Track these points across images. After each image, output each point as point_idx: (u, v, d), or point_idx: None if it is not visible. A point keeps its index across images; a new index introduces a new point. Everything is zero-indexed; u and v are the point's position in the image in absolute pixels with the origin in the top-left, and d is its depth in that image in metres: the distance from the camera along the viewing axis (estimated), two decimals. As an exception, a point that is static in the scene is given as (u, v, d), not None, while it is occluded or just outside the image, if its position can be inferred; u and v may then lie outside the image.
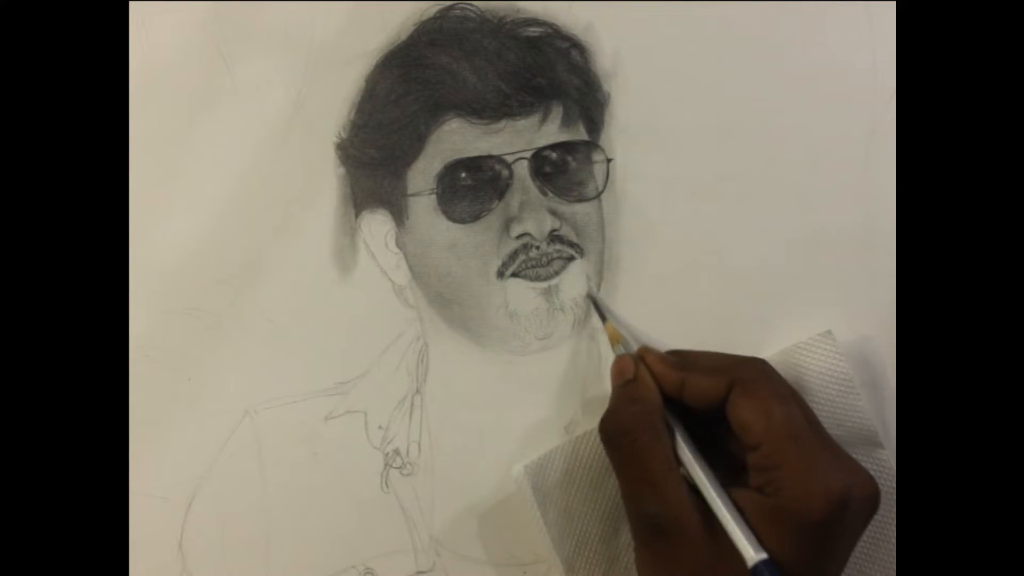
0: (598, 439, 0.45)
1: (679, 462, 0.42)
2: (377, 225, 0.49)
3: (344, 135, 0.49)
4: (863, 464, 0.41)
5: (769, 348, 0.49)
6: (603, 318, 0.48)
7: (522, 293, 0.48)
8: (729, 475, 0.42)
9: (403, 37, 0.49)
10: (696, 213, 0.50)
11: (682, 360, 0.44)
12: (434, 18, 0.49)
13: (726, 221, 0.50)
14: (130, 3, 0.48)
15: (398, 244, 0.49)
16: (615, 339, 0.47)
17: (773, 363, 0.45)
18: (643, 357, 0.45)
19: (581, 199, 0.49)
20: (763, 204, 0.50)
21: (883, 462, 0.47)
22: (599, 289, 0.49)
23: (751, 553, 0.38)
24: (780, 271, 0.50)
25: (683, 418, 0.43)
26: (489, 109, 0.48)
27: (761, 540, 0.39)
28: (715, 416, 0.42)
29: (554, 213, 0.48)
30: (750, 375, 0.42)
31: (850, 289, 0.50)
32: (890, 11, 0.48)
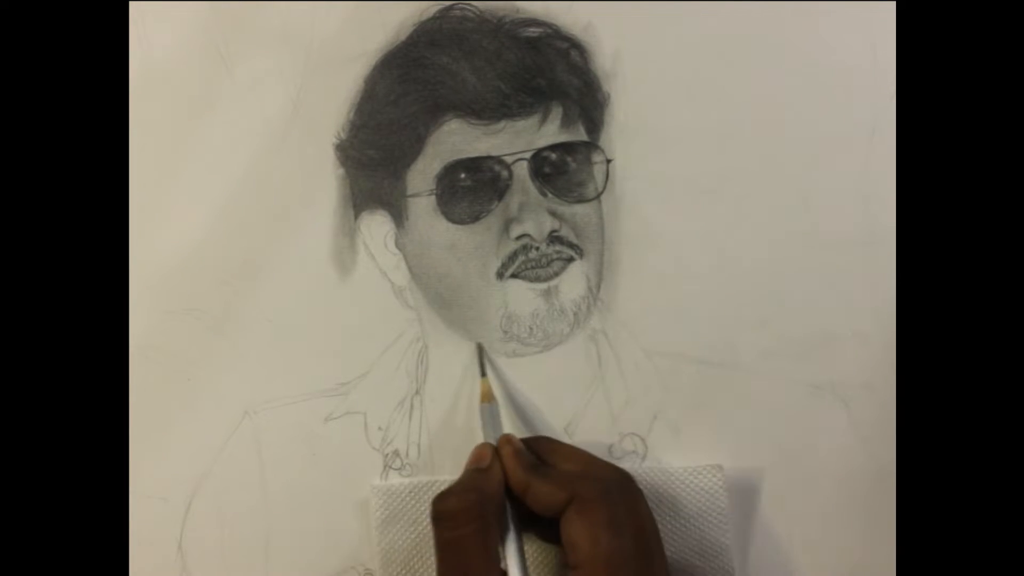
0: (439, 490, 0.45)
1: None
2: (376, 226, 0.49)
3: (343, 136, 0.49)
4: None
5: (769, 349, 0.49)
6: (482, 372, 0.48)
7: (522, 294, 0.48)
8: None
9: (402, 37, 0.49)
10: (696, 213, 0.50)
11: (535, 461, 0.44)
12: (433, 18, 0.49)
13: (726, 221, 0.50)
14: (130, 3, 0.48)
15: (397, 245, 0.49)
16: (486, 397, 0.47)
17: (658, 473, 0.46)
18: (500, 448, 0.44)
19: (581, 200, 0.49)
20: (763, 204, 0.50)
21: None
22: (599, 290, 0.49)
23: None
24: (780, 271, 0.50)
25: (532, 517, 0.43)
26: (488, 110, 0.48)
27: None
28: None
29: (554, 214, 0.48)
30: (591, 494, 0.41)
31: (850, 289, 0.49)
32: (890, 11, 0.48)
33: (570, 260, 0.49)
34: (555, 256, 0.49)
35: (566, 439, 0.49)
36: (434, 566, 0.41)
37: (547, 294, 0.49)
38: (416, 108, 0.48)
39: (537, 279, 0.48)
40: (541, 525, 0.43)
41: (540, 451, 0.45)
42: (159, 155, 0.49)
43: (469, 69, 0.48)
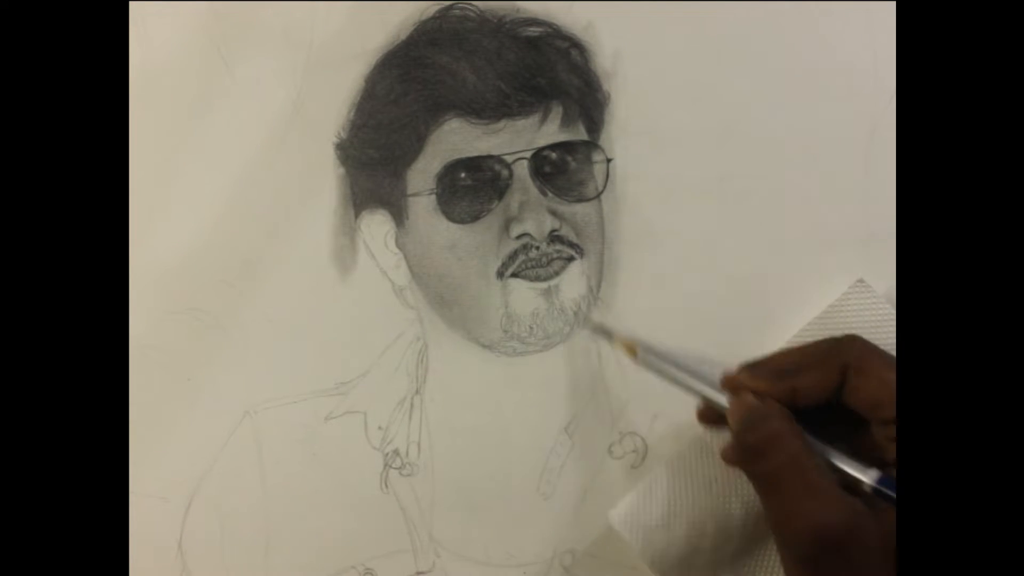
0: (674, 471, 0.45)
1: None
2: (377, 225, 0.49)
3: (343, 135, 0.49)
4: None
5: (769, 348, 0.49)
6: (610, 338, 0.48)
7: (522, 293, 0.48)
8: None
9: (403, 37, 0.49)
10: (696, 213, 0.50)
11: (772, 369, 0.42)
12: (434, 18, 0.49)
13: (726, 221, 0.50)
14: (130, 3, 0.48)
15: (398, 244, 0.49)
16: (632, 350, 0.46)
17: (815, 329, 0.45)
18: (737, 385, 0.43)
19: (581, 199, 0.49)
20: (763, 204, 0.50)
21: None
22: (599, 289, 0.49)
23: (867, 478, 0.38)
24: (780, 271, 0.50)
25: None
26: (489, 109, 0.48)
27: None
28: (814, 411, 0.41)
29: (554, 213, 0.48)
30: (857, 354, 0.41)
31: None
32: (890, 11, 0.48)
33: (570, 259, 0.49)
34: (555, 255, 0.49)
35: (566, 439, 0.49)
36: (710, 538, 0.41)
37: (547, 293, 0.49)
38: (416, 107, 0.48)
39: (537, 278, 0.48)
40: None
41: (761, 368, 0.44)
42: (159, 155, 0.49)
43: (469, 68, 0.48)
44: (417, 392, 0.49)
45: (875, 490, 0.39)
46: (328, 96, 0.49)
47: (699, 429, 0.46)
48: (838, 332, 0.46)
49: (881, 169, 0.49)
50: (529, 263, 0.48)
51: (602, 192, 0.49)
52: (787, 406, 0.41)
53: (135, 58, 0.49)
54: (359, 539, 0.49)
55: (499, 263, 0.48)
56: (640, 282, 0.49)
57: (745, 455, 0.40)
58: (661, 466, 0.47)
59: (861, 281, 0.48)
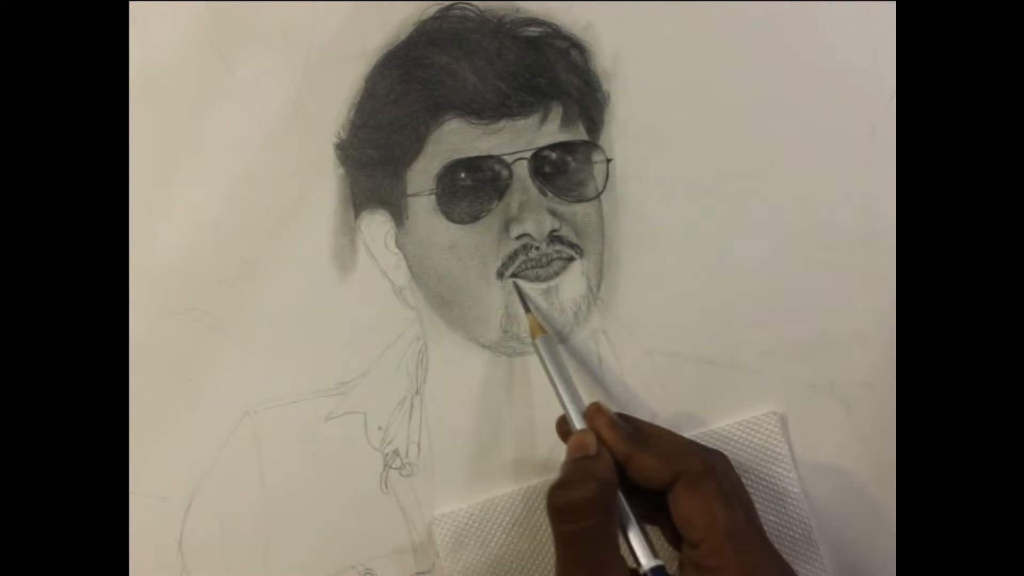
0: (515, 501, 0.46)
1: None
2: (377, 225, 0.49)
3: (343, 135, 0.49)
4: (800, 571, 0.42)
5: (769, 349, 0.49)
6: (526, 308, 0.47)
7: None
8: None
9: (403, 37, 0.49)
10: (696, 213, 0.50)
11: (633, 431, 0.43)
12: (433, 18, 0.49)
13: (726, 221, 0.50)
14: (130, 3, 0.48)
15: (398, 244, 0.49)
16: (537, 330, 0.46)
17: (715, 437, 0.46)
18: (593, 419, 0.43)
19: (581, 199, 0.49)
20: (763, 204, 0.50)
21: (820, 566, 0.47)
22: (599, 289, 0.49)
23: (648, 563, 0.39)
24: (780, 271, 0.50)
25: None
26: (489, 109, 0.48)
27: None
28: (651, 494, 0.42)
29: (554, 213, 0.48)
30: (698, 469, 0.41)
31: (850, 289, 0.49)
32: (890, 11, 0.48)
33: (570, 260, 0.49)
34: (555, 256, 0.49)
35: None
36: None
37: (547, 293, 0.49)
38: (416, 107, 0.48)
39: (537, 278, 0.48)
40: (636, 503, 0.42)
41: (628, 423, 0.44)
42: (159, 155, 0.49)
43: (469, 68, 0.48)
44: (417, 392, 0.49)
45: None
46: (328, 96, 0.49)
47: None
48: (732, 449, 0.47)
49: (881, 169, 0.49)
50: (529, 263, 0.48)
51: (602, 192, 0.49)
52: (622, 466, 0.41)
53: (135, 58, 0.49)
54: (359, 539, 0.49)
55: (499, 263, 0.48)
56: (640, 282, 0.49)
57: (553, 511, 0.40)
58: (506, 494, 0.48)
59: (774, 413, 0.48)
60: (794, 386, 0.49)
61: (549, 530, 0.45)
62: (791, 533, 0.47)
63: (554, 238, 0.48)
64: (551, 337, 0.46)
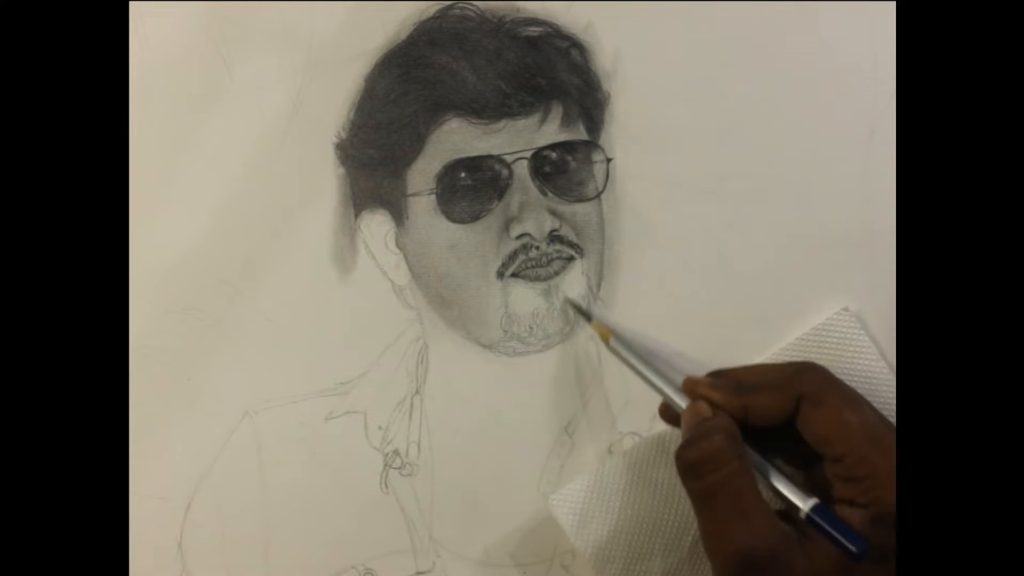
0: (626, 463, 0.46)
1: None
2: (377, 225, 0.49)
3: (344, 135, 0.49)
4: None
5: (769, 348, 0.49)
6: (587, 318, 0.48)
7: (522, 293, 0.48)
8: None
9: (403, 36, 0.49)
10: (696, 213, 0.50)
11: (733, 382, 0.43)
12: (434, 18, 0.49)
13: (726, 221, 0.50)
14: (130, 3, 0.48)
15: (398, 244, 0.49)
16: (607, 335, 0.46)
17: (793, 350, 0.45)
18: (695, 389, 0.44)
19: (581, 199, 0.49)
20: (763, 204, 0.50)
21: None
22: (599, 289, 0.49)
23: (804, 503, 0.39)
24: (780, 271, 0.50)
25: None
26: (489, 109, 0.48)
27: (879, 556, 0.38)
28: (773, 432, 0.41)
29: (554, 213, 0.48)
30: (815, 386, 0.41)
31: (850, 289, 0.49)
32: (890, 11, 0.48)
33: (570, 259, 0.49)
34: (555, 255, 0.49)
35: (566, 439, 0.49)
36: (644, 540, 0.41)
37: (547, 293, 0.49)
38: (416, 107, 0.48)
39: (537, 278, 0.48)
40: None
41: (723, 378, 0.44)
42: (159, 155, 0.49)
43: (469, 68, 0.48)
44: (417, 392, 0.49)
45: (809, 519, 0.39)
46: (328, 96, 0.49)
47: (662, 427, 0.47)
48: (814, 356, 0.46)
49: (881, 169, 0.49)
50: (529, 263, 0.48)
51: (602, 192, 0.49)
52: (740, 422, 0.42)
53: (135, 58, 0.49)
54: (359, 539, 0.49)
55: (499, 263, 0.48)
56: (640, 282, 0.49)
57: (684, 470, 0.41)
58: (614, 458, 0.48)
59: (846, 309, 0.48)
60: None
61: (668, 482, 0.45)
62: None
63: (554, 238, 0.48)
64: (619, 336, 0.47)
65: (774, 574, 0.38)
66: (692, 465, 0.40)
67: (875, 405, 0.45)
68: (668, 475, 0.47)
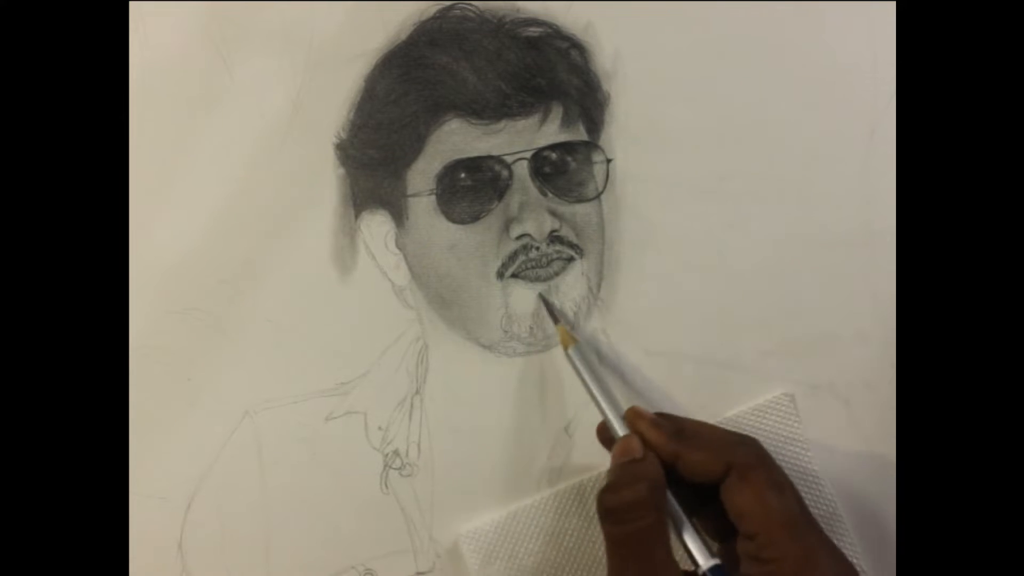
0: (539, 510, 0.46)
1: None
2: (377, 226, 0.49)
3: (344, 135, 0.49)
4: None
5: (769, 349, 0.49)
6: (554, 319, 0.48)
7: (522, 294, 0.48)
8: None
9: (403, 37, 0.49)
10: (696, 213, 0.50)
11: (675, 429, 0.43)
12: (434, 18, 0.49)
13: (726, 221, 0.50)
14: (130, 3, 0.48)
15: (398, 245, 0.49)
16: (568, 341, 0.46)
17: (730, 423, 0.46)
18: (635, 422, 0.43)
19: (581, 199, 0.49)
20: (763, 204, 0.50)
21: (850, 542, 0.48)
22: (599, 290, 0.49)
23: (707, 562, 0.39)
24: (780, 271, 0.50)
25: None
26: (489, 109, 0.48)
27: None
28: (699, 491, 0.42)
29: (554, 214, 0.48)
30: (748, 459, 0.41)
31: (850, 289, 0.49)
32: (890, 11, 0.48)
33: (570, 260, 0.49)
34: (555, 256, 0.49)
35: (566, 439, 0.49)
36: None
37: (547, 294, 0.49)
38: (416, 108, 0.48)
39: (537, 279, 0.48)
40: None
41: (667, 421, 0.44)
42: (159, 155, 0.49)
43: (469, 69, 0.48)
44: (417, 392, 0.49)
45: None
46: (328, 96, 0.49)
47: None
48: (750, 433, 0.46)
49: (881, 169, 0.49)
50: (529, 263, 0.48)
51: (602, 192, 0.49)
52: (668, 469, 0.42)
53: (135, 58, 0.49)
54: (359, 539, 0.49)
55: (499, 263, 0.48)
56: (640, 282, 0.49)
57: (603, 513, 0.41)
58: (529, 501, 0.48)
59: (786, 394, 0.49)
60: (794, 386, 0.49)
61: (577, 535, 0.45)
62: (819, 512, 0.47)
63: (554, 238, 0.48)
64: (583, 345, 0.47)
65: None
66: (611, 511, 0.40)
67: (806, 492, 0.45)
68: (578, 527, 0.48)
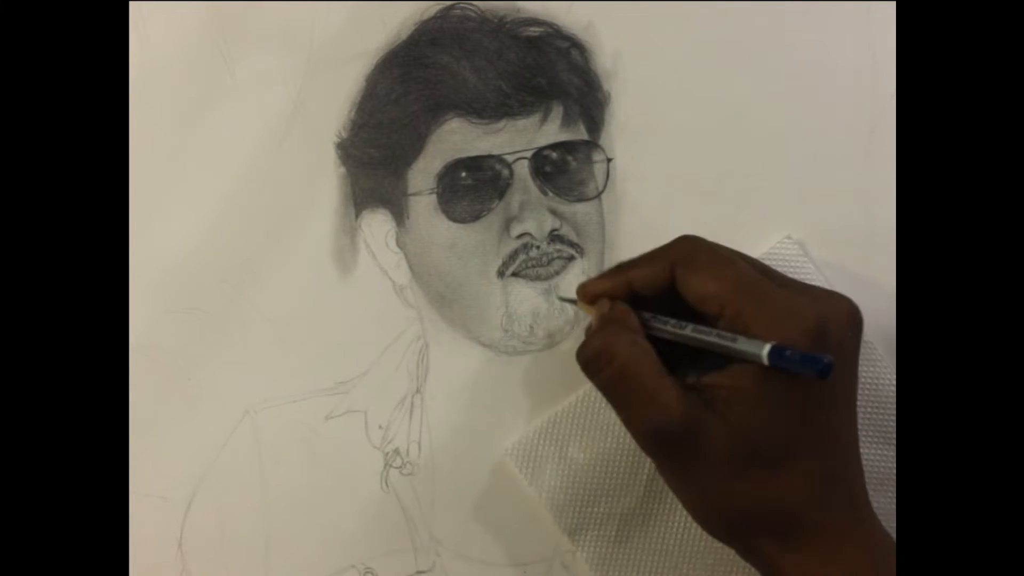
0: (577, 409, 0.46)
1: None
2: (377, 225, 0.49)
3: (344, 134, 0.49)
4: None
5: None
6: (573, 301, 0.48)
7: (522, 293, 0.48)
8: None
9: (403, 36, 0.49)
10: (696, 213, 0.50)
11: (616, 266, 0.43)
12: (434, 18, 0.49)
13: (726, 221, 0.50)
14: (130, 3, 0.48)
15: (398, 244, 0.49)
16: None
17: None
18: (582, 288, 0.43)
19: (581, 199, 0.49)
20: (763, 204, 0.50)
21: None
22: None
23: (760, 349, 0.37)
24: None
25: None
26: (489, 109, 0.48)
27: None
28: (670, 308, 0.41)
29: (554, 213, 0.48)
30: (687, 251, 0.41)
31: (850, 289, 0.49)
32: (890, 11, 0.48)
33: (571, 259, 0.49)
34: (556, 255, 0.49)
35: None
36: (599, 482, 0.43)
37: (547, 293, 0.49)
38: (417, 107, 0.48)
39: (538, 278, 0.49)
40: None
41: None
42: (159, 155, 0.49)
43: (470, 68, 0.48)
44: (417, 391, 0.49)
45: (770, 357, 0.38)
46: (329, 96, 0.49)
47: None
48: None
49: (881, 169, 0.49)
50: (529, 262, 0.48)
51: (602, 192, 0.49)
52: (630, 299, 0.42)
53: (135, 58, 0.49)
54: (359, 539, 0.49)
55: (499, 262, 0.48)
56: (640, 282, 0.49)
57: (584, 369, 0.41)
58: (565, 404, 0.48)
59: (789, 237, 0.48)
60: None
61: (620, 424, 0.44)
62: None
63: (554, 237, 0.48)
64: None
65: (692, 442, 0.38)
66: (588, 362, 0.41)
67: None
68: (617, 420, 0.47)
